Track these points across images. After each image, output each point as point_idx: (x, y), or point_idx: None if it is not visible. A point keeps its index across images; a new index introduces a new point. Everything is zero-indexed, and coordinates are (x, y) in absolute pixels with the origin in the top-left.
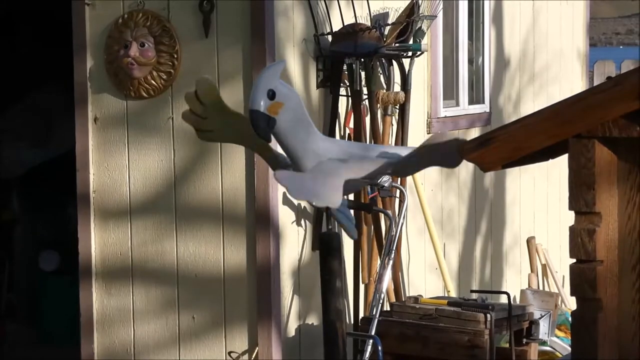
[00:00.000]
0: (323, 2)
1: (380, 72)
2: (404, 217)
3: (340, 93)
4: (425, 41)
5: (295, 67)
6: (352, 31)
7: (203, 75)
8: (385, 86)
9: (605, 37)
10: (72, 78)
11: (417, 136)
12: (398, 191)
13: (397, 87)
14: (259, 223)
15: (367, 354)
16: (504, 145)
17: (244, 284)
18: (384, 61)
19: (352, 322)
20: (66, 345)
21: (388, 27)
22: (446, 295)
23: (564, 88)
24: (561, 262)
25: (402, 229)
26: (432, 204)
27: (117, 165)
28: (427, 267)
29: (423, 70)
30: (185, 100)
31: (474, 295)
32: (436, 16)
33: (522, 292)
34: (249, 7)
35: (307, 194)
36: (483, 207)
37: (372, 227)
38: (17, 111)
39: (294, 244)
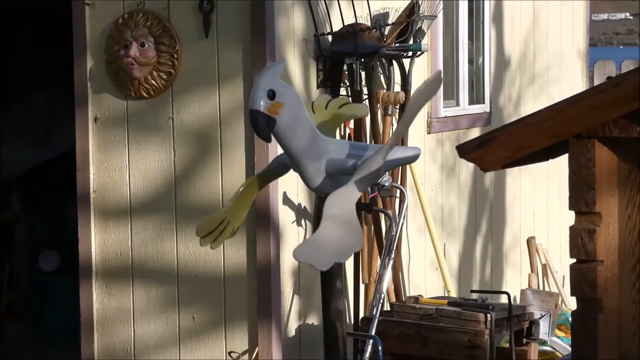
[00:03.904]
0: (323, 2)
1: (381, 72)
2: (404, 217)
3: (341, 93)
4: (425, 41)
5: (295, 67)
6: (352, 31)
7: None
8: (385, 86)
9: (605, 37)
10: (72, 78)
11: (417, 136)
12: (398, 191)
13: (397, 87)
14: (259, 223)
15: (367, 354)
16: (504, 145)
17: (244, 284)
18: (384, 61)
19: (352, 322)
20: (66, 345)
21: (388, 27)
22: (446, 295)
23: (565, 88)
24: (561, 262)
25: (403, 228)
26: (432, 203)
27: (117, 165)
28: (428, 267)
29: (423, 70)
30: (200, 241)
31: (474, 295)
32: (436, 16)
33: (522, 292)
34: (249, 7)
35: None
36: (483, 207)
37: (372, 227)
38: (17, 111)
39: (294, 244)
